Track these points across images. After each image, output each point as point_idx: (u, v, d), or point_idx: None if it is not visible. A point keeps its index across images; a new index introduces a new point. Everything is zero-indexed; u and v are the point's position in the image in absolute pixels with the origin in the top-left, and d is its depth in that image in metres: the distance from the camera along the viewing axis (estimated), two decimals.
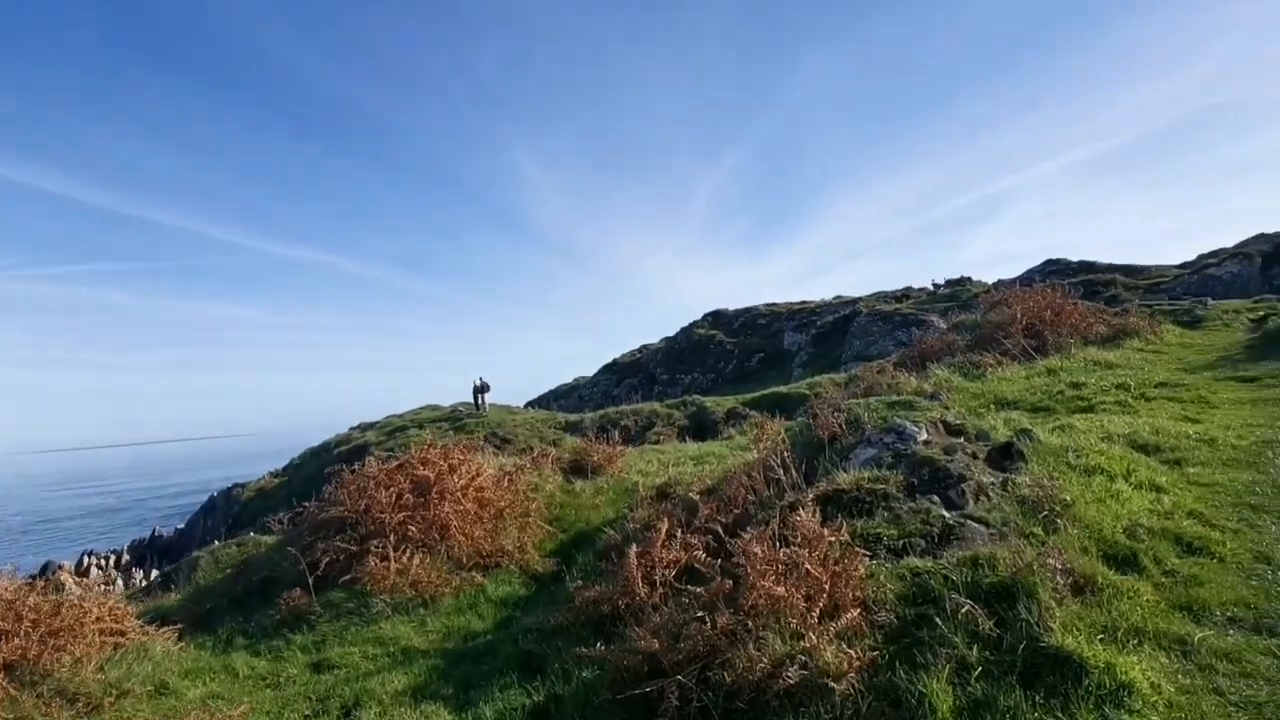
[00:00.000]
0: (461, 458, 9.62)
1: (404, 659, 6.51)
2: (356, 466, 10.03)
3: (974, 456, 6.65)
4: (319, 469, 39.92)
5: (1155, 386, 11.43)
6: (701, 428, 33.83)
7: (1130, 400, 10.71)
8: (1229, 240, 39.87)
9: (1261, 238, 35.75)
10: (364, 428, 45.29)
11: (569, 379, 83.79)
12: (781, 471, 6.85)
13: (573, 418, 40.50)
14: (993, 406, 11.81)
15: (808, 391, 28.95)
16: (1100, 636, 4.35)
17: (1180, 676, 4.11)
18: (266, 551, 9.54)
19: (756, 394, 37.41)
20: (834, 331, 52.50)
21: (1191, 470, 7.17)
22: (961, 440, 7.03)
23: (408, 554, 7.87)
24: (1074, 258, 41.88)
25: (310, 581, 7.71)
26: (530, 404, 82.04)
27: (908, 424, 7.04)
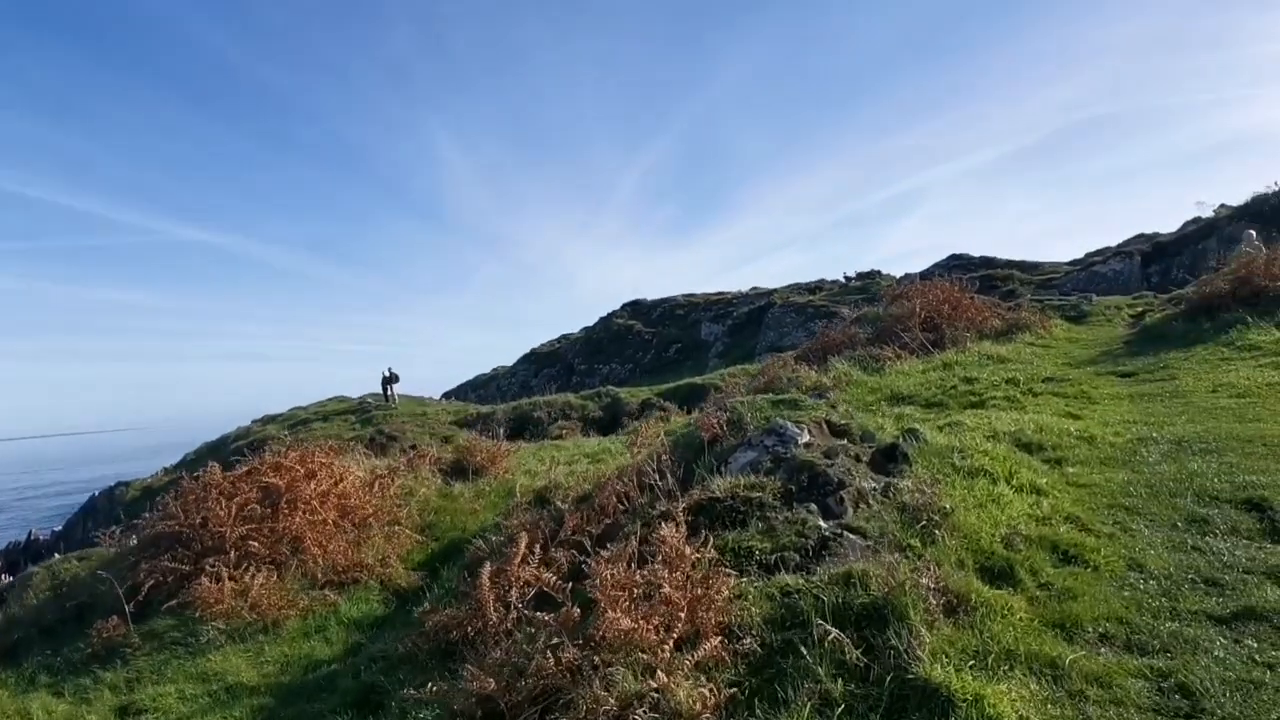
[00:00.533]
0: (323, 461, 8.74)
1: (228, 698, 5.71)
2: (201, 473, 8.99)
3: (857, 459, 6.31)
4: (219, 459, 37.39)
5: (1042, 381, 11.54)
6: (615, 420, 33.30)
7: (1019, 395, 10.73)
8: (1113, 239, 42.05)
9: (1141, 238, 37.76)
10: (266, 420, 42.92)
11: (488, 369, 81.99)
12: (656, 477, 6.35)
13: (485, 409, 39.34)
14: (887, 402, 11.69)
15: (720, 383, 28.81)
16: (971, 664, 3.99)
17: (1050, 706, 3.77)
18: (87, 572, 8.44)
19: (671, 385, 37.13)
20: (749, 322, 52.93)
21: (1071, 470, 7.05)
22: (845, 442, 6.69)
23: (250, 573, 7.02)
24: (975, 254, 43.33)
25: (130, 608, 6.76)
26: (448, 395, 79.79)
27: (789, 425, 6.64)
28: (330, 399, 45.95)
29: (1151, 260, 35.04)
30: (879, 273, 51.21)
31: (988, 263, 41.41)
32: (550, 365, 73.38)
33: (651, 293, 74.66)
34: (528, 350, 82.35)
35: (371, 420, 39.98)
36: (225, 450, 37.28)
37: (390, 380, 41.98)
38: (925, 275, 44.34)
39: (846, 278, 52.07)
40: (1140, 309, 18.53)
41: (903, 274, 48.77)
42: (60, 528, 42.90)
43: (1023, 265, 39.81)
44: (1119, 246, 39.13)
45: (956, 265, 42.52)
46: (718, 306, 63.95)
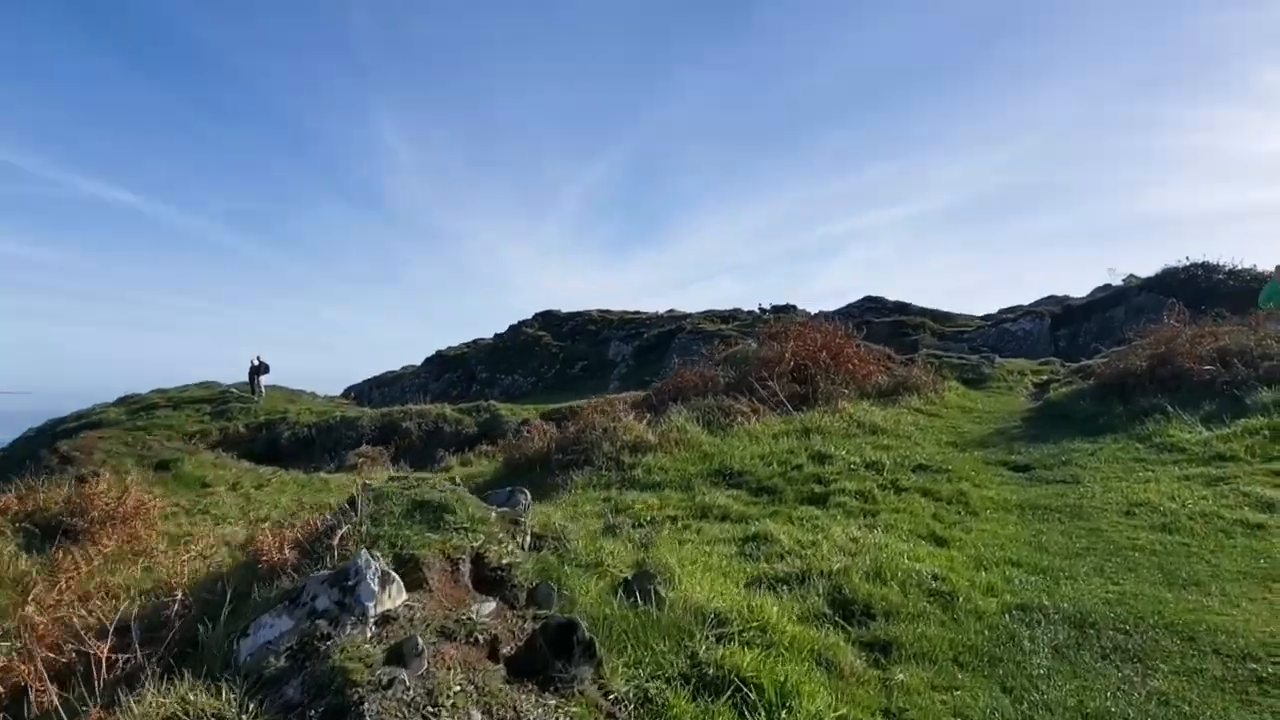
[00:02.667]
0: None
1: None
2: None
3: (469, 667, 3.08)
4: (34, 449, 32.12)
5: (914, 470, 8.67)
6: (490, 438, 29.68)
7: (877, 491, 7.80)
8: (1026, 299, 41.00)
9: (1052, 299, 36.56)
10: (122, 401, 37.60)
11: (397, 366, 76.67)
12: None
13: (352, 413, 35.01)
14: (710, 479, 8.62)
15: (607, 407, 25.46)
16: None
17: None
18: None
19: (555, 405, 33.71)
20: (657, 345, 50.06)
21: (900, 675, 4.01)
22: (472, 615, 3.42)
23: None
24: (891, 298, 41.57)
25: None
26: (351, 389, 74.27)
27: (370, 572, 3.32)
28: (198, 384, 40.94)
29: (1061, 323, 33.71)
30: (794, 307, 49.12)
31: (901, 308, 39.63)
32: (454, 370, 69.00)
33: (584, 305, 71.09)
34: (433, 352, 77.51)
35: (226, 414, 35.25)
36: (53, 432, 32.02)
37: (258, 370, 37.52)
38: (839, 315, 42.35)
39: (761, 309, 49.80)
40: (1045, 377, 16.18)
41: (818, 310, 46.84)
42: None
43: (936, 315, 38.12)
44: (1030, 306, 37.90)
45: (871, 307, 40.64)
46: (631, 326, 60.97)
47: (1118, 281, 35.03)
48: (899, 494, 7.84)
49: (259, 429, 33.30)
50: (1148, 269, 33.90)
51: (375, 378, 74.85)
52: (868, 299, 41.37)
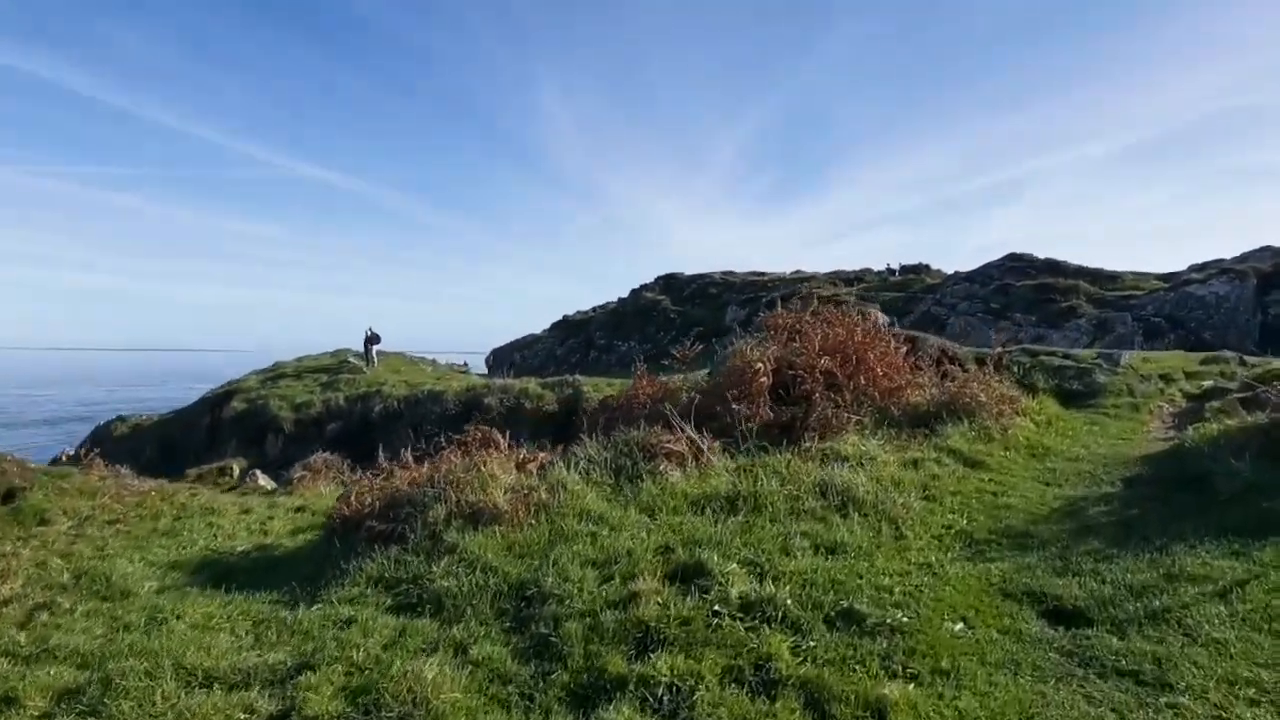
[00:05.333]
0: None
1: None
2: None
3: None
4: (203, 410, 33.77)
5: (835, 620, 4.63)
6: (569, 419, 27.17)
7: (704, 689, 3.96)
8: (1230, 251, 32.07)
9: (1267, 251, 28.03)
10: (274, 368, 39.10)
11: (548, 325, 76.64)
12: None
13: (439, 388, 33.76)
14: (511, 600, 5.14)
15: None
16: None
17: None
18: None
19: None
20: (771, 310, 45.35)
21: None
22: None
23: None
24: (1040, 255, 34.25)
25: None
26: (496, 351, 75.67)
27: None
28: (327, 352, 41.74)
29: (1273, 284, 25.59)
30: (926, 267, 42.44)
31: (1052, 267, 32.43)
32: (577, 335, 67.68)
33: (733, 264, 67.19)
34: (560, 317, 76.68)
35: (334, 384, 35.22)
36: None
37: (371, 340, 37.42)
38: (981, 276, 35.73)
39: (890, 270, 43.54)
40: (1207, 385, 10.68)
41: (953, 271, 40.02)
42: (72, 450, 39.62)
43: (1096, 275, 30.72)
44: (1233, 261, 29.43)
45: (1014, 268, 33.69)
46: (752, 289, 56.25)
47: None
48: (755, 697, 3.94)
49: (357, 401, 32.59)
50: None
51: (518, 340, 75.20)
52: (1010, 257, 34.31)
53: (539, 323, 71.81)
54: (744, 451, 8.44)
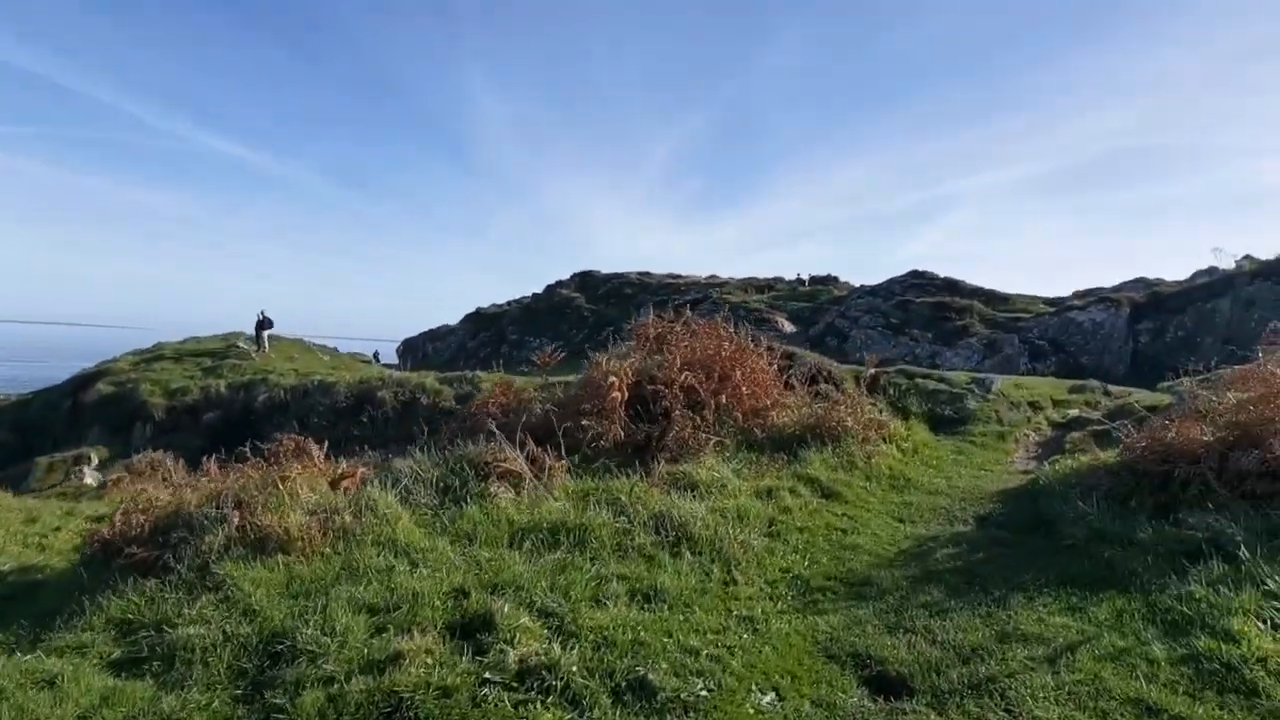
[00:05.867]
0: None
1: None
2: None
3: None
4: (67, 392, 30.59)
5: (621, 690, 3.96)
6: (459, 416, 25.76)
7: None
8: (1111, 280, 33.66)
9: (1139, 283, 29.51)
10: (153, 349, 35.85)
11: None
12: None
13: (330, 379, 31.73)
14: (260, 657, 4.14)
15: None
16: None
17: None
18: None
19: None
20: (679, 314, 45.08)
21: None
22: None
23: None
24: (941, 273, 35.15)
25: None
26: (408, 341, 72.80)
27: None
28: (218, 335, 38.74)
29: (1144, 314, 26.88)
30: (835, 279, 43.09)
31: (951, 286, 33.28)
32: (489, 328, 65.91)
33: (661, 268, 66.58)
34: (473, 309, 74.53)
35: (217, 370, 32.63)
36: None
37: (263, 325, 35.04)
38: (881, 290, 36.37)
39: (800, 280, 43.98)
40: (1074, 413, 10.65)
41: (859, 284, 40.71)
42: None
43: (990, 296, 31.67)
44: (1110, 290, 30.89)
45: (915, 284, 34.43)
46: (665, 291, 55.96)
47: (1226, 264, 27.80)
48: None
49: (240, 389, 30.26)
50: (1268, 251, 26.65)
51: (430, 331, 72.57)
52: (913, 274, 35.08)
53: (460, 314, 69.83)
54: (592, 473, 7.73)
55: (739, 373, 8.75)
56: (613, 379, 8.04)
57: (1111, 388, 13.08)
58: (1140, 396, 10.93)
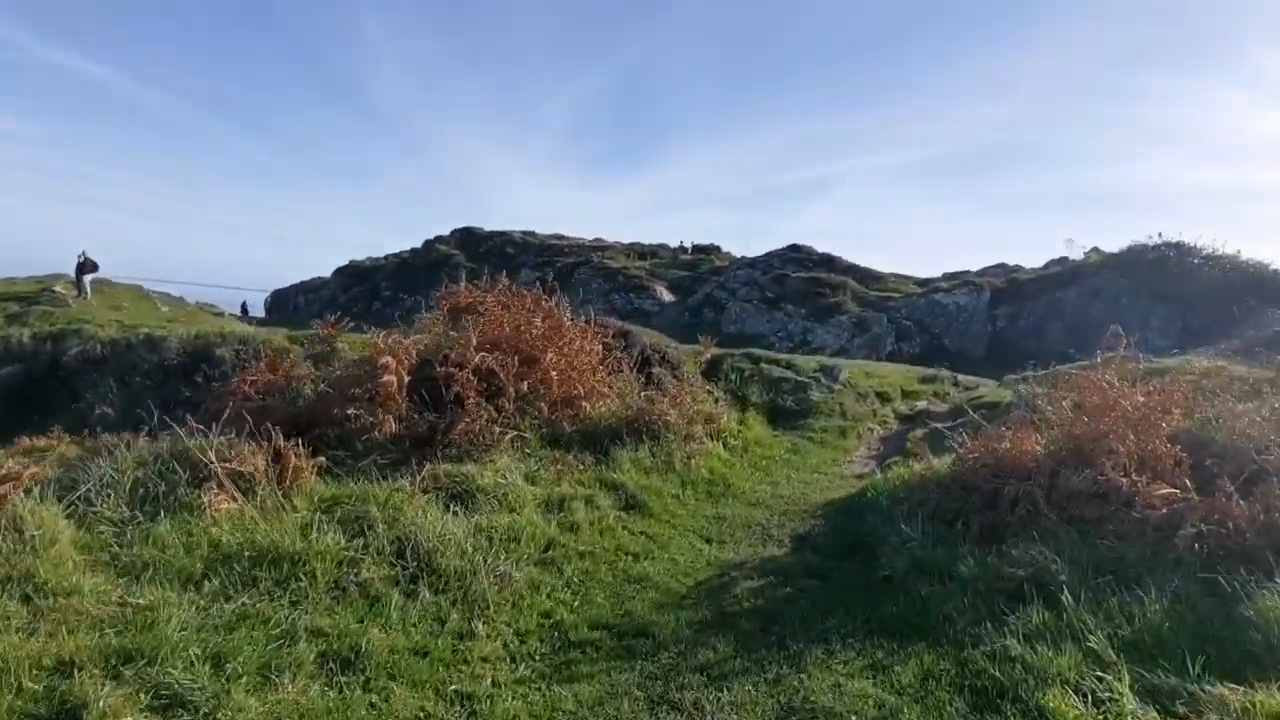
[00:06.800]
0: None
1: None
2: None
3: None
4: None
5: None
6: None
7: None
8: (976, 264, 34.74)
9: (999, 269, 30.48)
10: None
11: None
12: None
13: (160, 333, 28.13)
14: None
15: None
16: None
17: None
18: None
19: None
20: (560, 278, 43.44)
21: None
22: None
23: None
24: (819, 249, 35.19)
25: None
26: (279, 292, 67.64)
27: None
28: (35, 277, 33.55)
29: (1002, 299, 27.73)
30: (717, 248, 42.61)
31: (828, 262, 33.35)
32: (363, 283, 61.85)
33: (551, 225, 63.94)
34: (346, 262, 69.74)
35: (22, 317, 28.10)
36: None
37: (86, 268, 30.44)
38: (763, 263, 36.08)
39: (683, 248, 43.23)
40: (920, 408, 10.09)
41: (741, 255, 40.42)
42: None
43: (864, 274, 31.93)
44: (975, 274, 31.81)
45: (793, 259, 34.32)
46: (549, 253, 54.02)
47: (1076, 255, 29.06)
48: None
49: (47, 340, 26.15)
50: (1114, 244, 27.95)
51: (303, 283, 67.29)
52: (792, 248, 34.96)
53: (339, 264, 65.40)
54: (358, 474, 6.31)
55: (550, 355, 7.49)
56: (387, 359, 6.59)
57: (962, 378, 12.78)
58: (986, 392, 10.56)
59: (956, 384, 12.17)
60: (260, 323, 42.52)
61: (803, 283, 30.38)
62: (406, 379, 6.78)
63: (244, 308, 54.23)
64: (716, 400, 8.89)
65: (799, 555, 5.63)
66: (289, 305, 62.28)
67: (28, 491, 5.56)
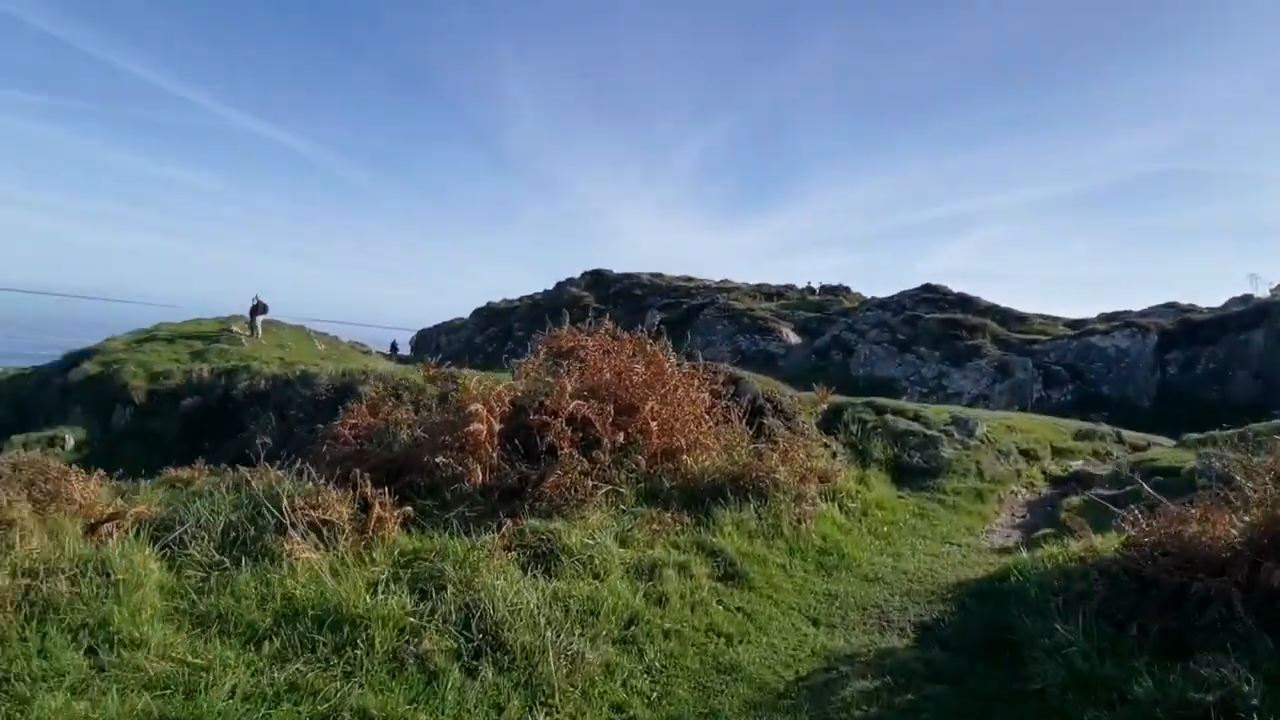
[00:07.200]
0: None
1: None
2: None
3: None
4: (59, 370, 29.32)
5: None
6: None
7: None
8: (1139, 304, 31.22)
9: (1170, 309, 27.12)
10: (134, 331, 34.78)
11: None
12: None
13: (313, 370, 30.44)
14: None
15: None
16: None
17: None
18: None
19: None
20: (684, 320, 43.11)
21: None
22: None
23: None
24: (954, 288, 32.96)
25: None
26: (423, 332, 72.19)
27: None
28: (219, 317, 37.68)
29: (1173, 343, 24.54)
30: (847, 289, 40.95)
31: (964, 302, 31.10)
32: (498, 324, 64.70)
33: (681, 267, 65.32)
34: (483, 304, 73.39)
35: (204, 354, 31.44)
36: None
37: (257, 309, 33.92)
38: (891, 303, 34.29)
39: (810, 289, 41.92)
40: (1075, 468, 8.70)
41: (870, 295, 38.59)
42: None
43: (1005, 315, 29.46)
44: (1138, 315, 28.51)
45: (926, 299, 32.28)
46: (675, 294, 54.13)
47: (1262, 292, 25.39)
48: None
49: (222, 375, 28.99)
50: None
51: (445, 323, 71.70)
52: (925, 287, 32.92)
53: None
54: (443, 525, 6.02)
55: (651, 403, 6.97)
56: (477, 406, 6.30)
57: (1126, 434, 11.03)
58: (1160, 454, 8.92)
59: (1120, 441, 10.51)
60: (405, 361, 45.10)
61: (937, 324, 28.40)
62: (498, 426, 6.46)
63: (393, 346, 57.99)
64: (834, 455, 8.01)
65: (924, 650, 4.70)
66: (432, 344, 66.04)
67: (135, 531, 5.66)
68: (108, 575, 4.87)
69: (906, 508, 7.54)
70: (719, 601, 5.17)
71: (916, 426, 9.12)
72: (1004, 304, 31.13)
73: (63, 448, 24.20)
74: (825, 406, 9.20)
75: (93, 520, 5.70)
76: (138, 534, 5.46)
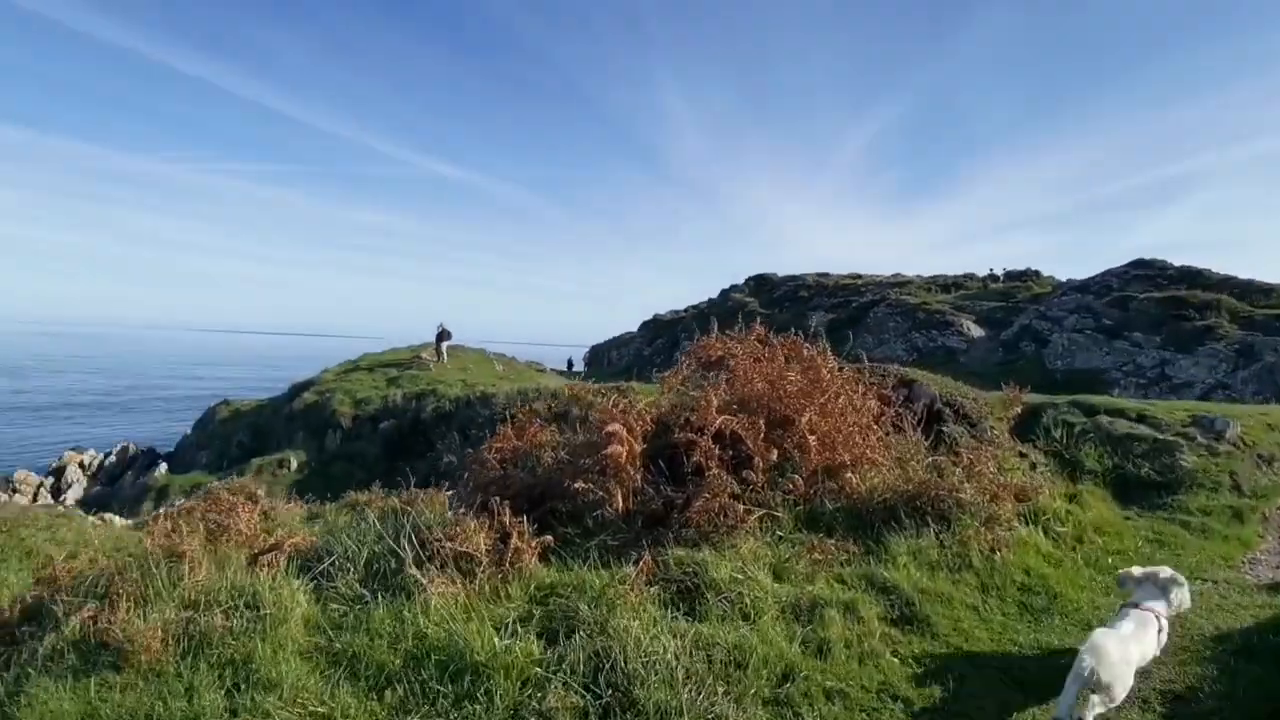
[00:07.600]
0: None
1: None
2: None
3: None
4: (286, 400, 33.75)
5: None
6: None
7: None
8: None
9: None
10: (346, 365, 39.19)
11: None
12: None
13: (491, 391, 32.34)
14: None
15: None
16: None
17: None
18: None
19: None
20: (853, 318, 40.76)
21: None
22: None
23: None
24: (1177, 261, 28.43)
25: None
26: (596, 348, 75.38)
27: None
28: (411, 346, 41.65)
29: None
30: (1036, 273, 36.74)
31: (1189, 277, 26.69)
32: (665, 335, 65.45)
33: (847, 265, 63.78)
34: (650, 316, 74.75)
35: (398, 381, 34.71)
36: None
37: (442, 336, 37.12)
38: (1094, 284, 30.28)
39: (993, 276, 38.17)
40: None
41: (1066, 279, 34.31)
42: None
43: (1245, 287, 24.87)
44: None
45: (1138, 276, 28.09)
46: (843, 293, 51.58)
47: None
48: None
49: (413, 399, 31.67)
50: None
51: (615, 338, 74.10)
52: (1136, 263, 28.65)
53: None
54: (583, 555, 5.61)
55: (809, 415, 6.14)
56: (615, 426, 5.83)
57: None
58: None
59: None
60: (578, 377, 46.58)
61: (1154, 304, 24.55)
62: (640, 446, 5.96)
63: (569, 363, 60.25)
64: (1032, 467, 6.70)
65: None
66: (604, 359, 67.98)
67: (288, 562, 5.75)
68: (257, 609, 4.89)
69: (1136, 532, 6.04)
70: (894, 652, 4.28)
71: (1143, 429, 7.35)
72: (1241, 275, 26.38)
73: (288, 469, 27.17)
74: (1019, 408, 7.82)
75: (255, 550, 5.86)
76: (289, 566, 5.52)
